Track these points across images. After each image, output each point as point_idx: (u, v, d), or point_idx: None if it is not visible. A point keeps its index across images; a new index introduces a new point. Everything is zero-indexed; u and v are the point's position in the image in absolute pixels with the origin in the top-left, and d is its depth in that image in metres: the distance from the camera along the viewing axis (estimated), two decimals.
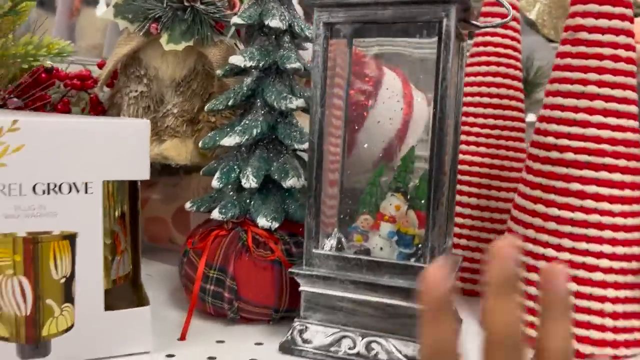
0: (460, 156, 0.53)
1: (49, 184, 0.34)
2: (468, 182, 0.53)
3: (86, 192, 0.35)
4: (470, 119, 0.54)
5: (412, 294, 0.36)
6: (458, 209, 0.53)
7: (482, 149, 0.54)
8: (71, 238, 0.35)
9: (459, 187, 0.53)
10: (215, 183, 0.43)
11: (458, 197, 0.53)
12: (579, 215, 0.40)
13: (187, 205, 0.46)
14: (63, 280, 0.35)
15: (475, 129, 0.54)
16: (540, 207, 0.42)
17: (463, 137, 0.54)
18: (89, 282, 0.35)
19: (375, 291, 0.37)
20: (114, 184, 0.39)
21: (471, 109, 0.54)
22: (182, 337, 0.40)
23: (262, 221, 0.42)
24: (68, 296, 0.35)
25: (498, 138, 0.53)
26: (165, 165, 0.55)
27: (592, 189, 0.40)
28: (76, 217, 0.35)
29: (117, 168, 0.36)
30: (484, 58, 0.54)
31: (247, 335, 0.41)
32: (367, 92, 0.47)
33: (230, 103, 0.44)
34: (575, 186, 0.40)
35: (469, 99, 0.54)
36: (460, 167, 0.53)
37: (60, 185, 0.34)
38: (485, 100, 0.54)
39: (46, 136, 0.34)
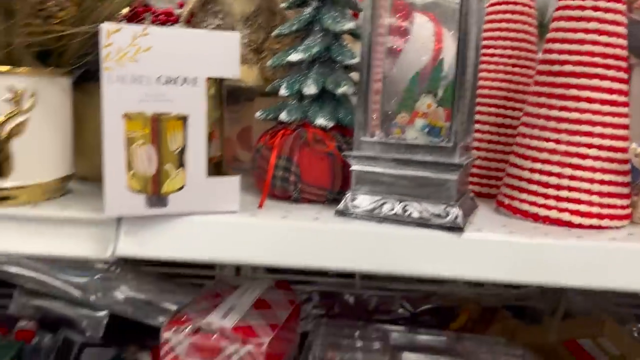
0: (481, 82, 0.63)
1: (168, 77, 0.45)
2: (487, 103, 0.64)
3: (194, 85, 0.46)
4: (490, 50, 0.64)
5: (439, 167, 0.47)
6: (477, 126, 0.63)
7: (501, 75, 0.64)
8: (183, 119, 0.46)
9: (479, 108, 0.63)
10: (282, 92, 0.55)
11: (478, 117, 0.63)
12: (575, 115, 0.50)
13: (257, 114, 0.58)
14: (177, 151, 0.47)
15: (495, 59, 0.64)
16: (544, 110, 0.52)
17: (483, 66, 0.64)
18: (195, 153, 0.47)
19: (410, 166, 0.48)
20: (213, 89, 0.51)
21: (491, 42, 0.64)
22: (260, 206, 0.52)
23: (320, 120, 0.53)
24: (181, 163, 0.47)
25: (513, 66, 0.64)
26: (229, 94, 0.67)
27: (585, 93, 0.50)
28: (187, 103, 0.46)
29: (216, 67, 0.47)
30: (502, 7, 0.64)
31: (308, 210, 0.53)
32: (404, 27, 0.57)
33: (294, 28, 0.55)
34: (572, 92, 0.50)
35: (489, 33, 0.64)
36: (480, 91, 0.63)
37: (176, 79, 0.46)
38: (504, 34, 0.64)
39: (167, 41, 0.45)
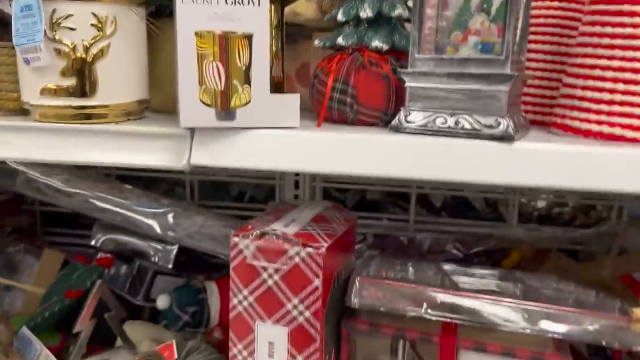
0: (535, 11, 0.64)
1: None
2: (541, 32, 0.64)
3: (259, 5, 0.50)
4: None
5: (491, 79, 0.49)
6: (531, 55, 0.64)
7: (555, 3, 0.64)
8: (249, 38, 0.50)
9: (533, 37, 0.64)
10: (340, 17, 0.57)
11: (532, 46, 0.64)
12: (629, 30, 0.51)
13: (316, 42, 0.61)
14: (244, 68, 0.51)
15: None
16: (598, 28, 0.53)
17: None
18: (260, 71, 0.51)
19: (463, 80, 0.50)
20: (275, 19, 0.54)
21: None
22: (319, 125, 0.55)
23: (375, 42, 0.56)
24: (247, 80, 0.51)
25: None
26: (287, 35, 0.70)
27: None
28: (252, 23, 0.50)
29: None
30: None
31: (363, 132, 0.56)
32: None
33: None
34: (627, 7, 0.51)
35: None
36: (534, 20, 0.64)
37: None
38: None
39: None
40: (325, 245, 0.53)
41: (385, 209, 1.16)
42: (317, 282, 0.53)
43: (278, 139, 0.51)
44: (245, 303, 0.55)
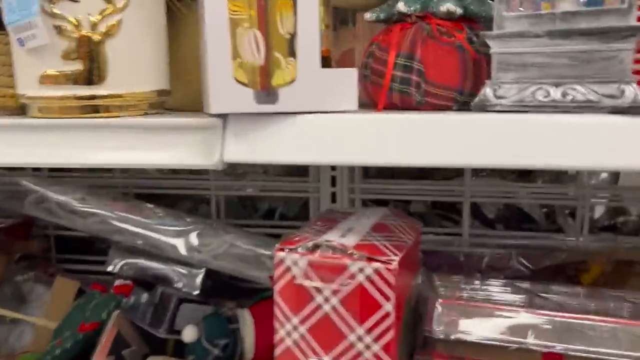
0: None
1: None
2: None
3: None
4: None
5: (609, 36, 0.38)
6: None
7: None
8: None
9: None
10: None
11: None
12: None
13: (367, 15, 0.51)
14: (288, 37, 0.40)
15: None
16: None
17: None
18: (307, 40, 0.40)
19: (570, 39, 0.39)
20: None
21: None
22: (379, 109, 0.45)
23: (446, 5, 0.45)
24: (292, 51, 0.40)
25: None
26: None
27: None
28: None
29: None
30: None
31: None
32: None
33: None
34: None
35: None
36: None
37: None
38: None
39: None
40: (397, 259, 0.41)
41: (432, 223, 1.04)
42: (389, 307, 0.41)
43: (332, 125, 0.41)
44: (295, 335, 0.44)
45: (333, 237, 0.44)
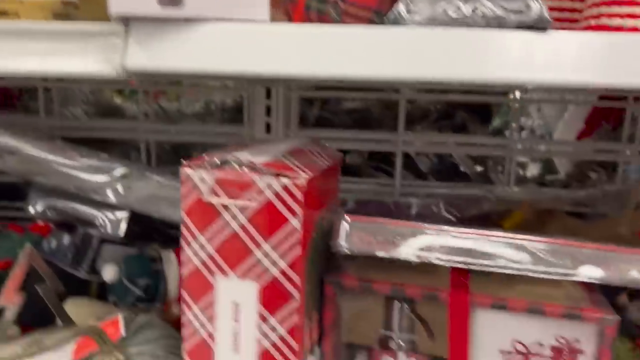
0: None
1: None
2: None
3: None
4: None
5: None
6: None
7: None
8: None
9: None
10: None
11: None
12: None
13: None
14: None
15: None
16: None
17: None
18: None
19: None
20: None
21: None
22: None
23: None
24: None
25: None
26: None
27: None
28: None
29: None
30: None
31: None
32: None
33: None
34: None
35: None
36: None
37: None
38: None
39: None
40: (306, 176, 0.41)
41: (367, 174, 1.05)
42: (296, 222, 0.41)
43: (240, 34, 0.39)
44: (202, 254, 0.43)
45: (243, 155, 0.43)
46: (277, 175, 0.40)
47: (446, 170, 1.08)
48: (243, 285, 0.42)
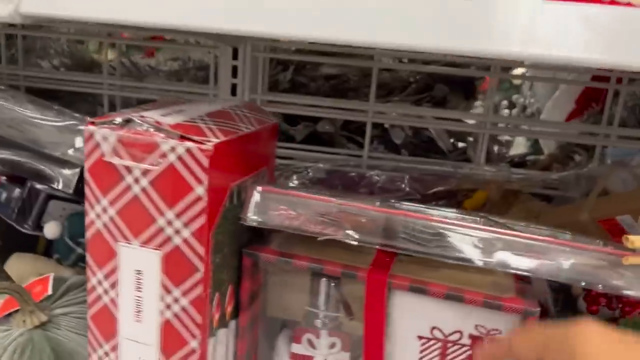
0: None
1: None
2: None
3: None
4: None
5: None
6: None
7: None
8: None
9: None
10: None
11: None
12: None
13: None
14: None
15: None
16: None
17: None
18: None
19: None
20: None
21: None
22: None
23: None
24: None
25: None
26: None
27: None
28: None
29: None
30: None
31: None
32: None
33: None
34: None
35: None
36: None
37: None
38: None
39: None
40: (215, 141, 0.38)
41: (339, 144, 1.02)
42: (200, 190, 0.38)
43: None
44: (105, 217, 0.41)
45: (153, 115, 0.40)
46: (182, 138, 0.38)
47: (422, 144, 1.05)
48: (146, 253, 0.40)
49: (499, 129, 0.94)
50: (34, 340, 0.52)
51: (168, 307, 0.40)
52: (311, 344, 0.47)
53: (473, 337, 0.42)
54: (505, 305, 0.40)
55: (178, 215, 0.39)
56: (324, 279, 0.45)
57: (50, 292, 0.57)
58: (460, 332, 0.42)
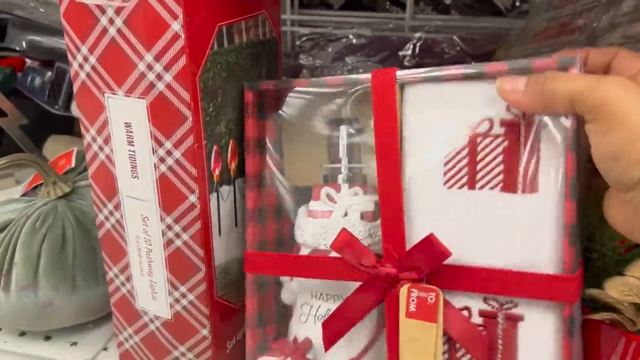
0: None
1: None
2: None
3: None
4: None
5: None
6: None
7: None
8: None
9: None
10: None
11: None
12: None
13: None
14: None
15: None
16: None
17: None
18: None
19: None
20: None
21: None
22: None
23: None
24: None
25: None
26: None
27: None
28: None
29: None
30: None
31: None
32: None
33: None
34: None
35: None
36: None
37: None
38: None
39: None
40: None
41: (382, 10, 0.93)
42: (176, 26, 0.34)
43: None
44: (87, 67, 0.38)
45: None
46: None
47: (476, 5, 0.93)
48: (131, 102, 0.37)
49: None
50: (57, 209, 0.52)
51: (162, 160, 0.38)
52: (330, 198, 0.43)
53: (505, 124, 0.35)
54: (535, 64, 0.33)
55: (157, 57, 0.35)
56: (342, 126, 0.41)
57: (73, 164, 0.57)
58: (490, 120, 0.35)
